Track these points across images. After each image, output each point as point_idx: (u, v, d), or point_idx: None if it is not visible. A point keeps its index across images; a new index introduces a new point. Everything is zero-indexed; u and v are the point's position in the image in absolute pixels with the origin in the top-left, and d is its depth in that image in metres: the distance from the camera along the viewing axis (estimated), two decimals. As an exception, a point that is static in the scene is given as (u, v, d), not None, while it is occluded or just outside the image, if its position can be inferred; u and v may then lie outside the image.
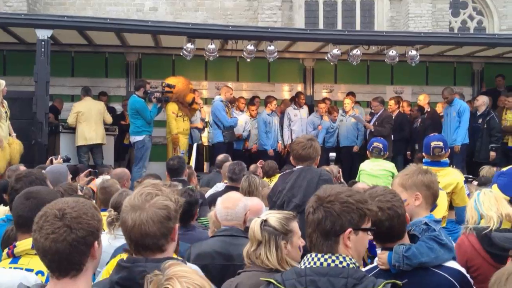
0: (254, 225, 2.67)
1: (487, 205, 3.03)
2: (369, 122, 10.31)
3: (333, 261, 1.95)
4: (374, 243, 2.58)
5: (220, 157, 7.57)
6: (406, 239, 2.50)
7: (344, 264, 1.94)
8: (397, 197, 2.50)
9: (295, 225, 2.74)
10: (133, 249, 1.99)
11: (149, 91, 9.30)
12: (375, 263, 2.52)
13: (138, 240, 1.95)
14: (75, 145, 9.49)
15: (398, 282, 1.98)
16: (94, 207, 1.93)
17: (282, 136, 10.76)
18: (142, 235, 1.94)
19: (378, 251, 2.52)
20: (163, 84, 9.50)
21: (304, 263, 2.00)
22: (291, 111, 10.79)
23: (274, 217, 2.70)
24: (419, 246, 2.43)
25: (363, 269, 2.44)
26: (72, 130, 9.68)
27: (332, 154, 6.67)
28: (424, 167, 2.99)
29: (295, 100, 10.98)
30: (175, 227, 2.01)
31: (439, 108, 10.73)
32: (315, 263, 1.97)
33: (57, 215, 1.83)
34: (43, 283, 1.87)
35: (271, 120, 10.40)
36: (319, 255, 1.98)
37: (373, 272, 2.45)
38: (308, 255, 2.01)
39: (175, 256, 2.50)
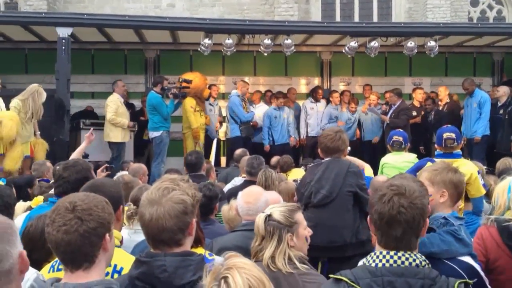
0: (259, 221, 2.68)
1: None
2: (386, 113, 10.25)
3: (407, 259, 1.92)
4: None
5: (238, 151, 7.60)
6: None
7: (417, 262, 1.92)
8: (423, 186, 2.49)
9: (300, 216, 2.75)
10: (151, 243, 2.01)
11: (166, 87, 9.36)
12: None
13: (155, 234, 1.97)
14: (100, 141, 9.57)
15: (470, 281, 1.97)
16: (105, 201, 1.96)
17: (297, 129, 10.75)
18: (159, 230, 1.95)
19: None
20: (180, 80, 9.57)
21: (374, 261, 1.95)
22: (308, 104, 10.75)
23: (277, 210, 2.71)
24: (431, 237, 2.44)
25: None
26: (94, 127, 9.80)
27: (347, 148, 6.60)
28: (454, 164, 2.96)
29: (313, 94, 10.92)
30: (192, 222, 2.02)
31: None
32: (387, 261, 1.92)
33: (68, 207, 1.87)
34: (58, 277, 1.91)
35: (278, 115, 10.32)
36: (392, 253, 1.93)
37: None
38: (378, 252, 1.97)
39: (200, 251, 2.57)
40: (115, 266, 2.33)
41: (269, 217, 2.67)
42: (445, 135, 5.01)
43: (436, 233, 2.49)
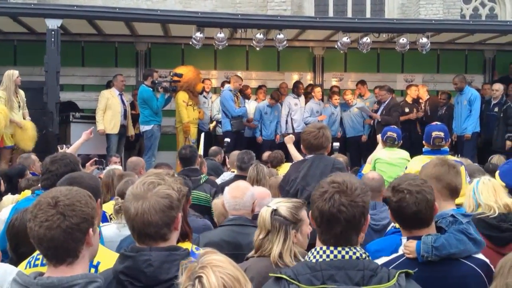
0: (265, 214, 2.67)
1: (485, 195, 3.06)
2: (376, 111, 10.26)
3: (347, 252, 1.91)
4: (400, 230, 2.60)
5: (213, 148, 7.87)
6: (433, 229, 2.49)
7: (358, 254, 1.91)
8: (427, 183, 2.50)
9: (304, 214, 2.74)
10: (136, 238, 1.99)
11: (156, 81, 9.33)
12: (400, 252, 2.51)
13: (141, 229, 1.96)
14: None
15: (410, 271, 1.94)
16: (89, 196, 1.95)
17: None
18: (145, 224, 1.94)
19: (404, 240, 2.51)
20: (171, 74, 9.53)
21: (315, 257, 1.93)
22: (291, 100, 10.75)
23: (284, 206, 2.70)
24: (448, 238, 2.42)
25: (388, 259, 2.47)
26: (84, 119, 9.77)
27: (336, 144, 6.63)
28: (445, 158, 2.92)
29: (293, 89, 10.95)
30: (178, 216, 2.01)
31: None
32: (327, 256, 1.91)
33: (50, 203, 1.85)
34: (40, 272, 1.88)
35: (269, 111, 10.37)
36: (331, 248, 1.92)
37: (399, 261, 2.45)
38: (318, 248, 1.95)
39: (187, 245, 2.54)
40: (92, 260, 2.30)
41: (275, 212, 2.66)
42: (433, 134, 5.07)
43: (450, 233, 2.47)
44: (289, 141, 5.77)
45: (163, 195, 1.96)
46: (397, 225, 2.76)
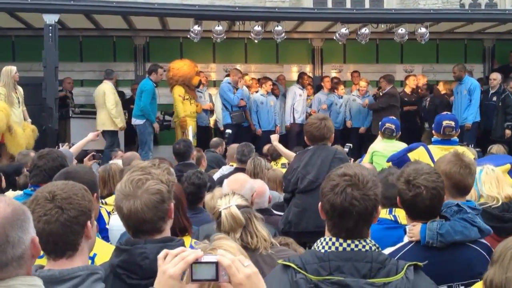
0: (234, 212, 2.54)
1: (488, 186, 3.05)
2: (377, 99, 10.29)
3: (356, 245, 1.89)
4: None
5: (215, 139, 7.91)
6: (437, 218, 2.55)
7: (367, 247, 1.89)
8: (441, 178, 2.53)
9: None
10: (132, 234, 2.00)
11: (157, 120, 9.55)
12: (406, 240, 2.54)
13: (136, 226, 1.97)
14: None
15: (419, 263, 1.93)
16: (85, 189, 1.95)
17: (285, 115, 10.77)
18: (140, 222, 1.95)
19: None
20: (162, 113, 9.80)
21: (324, 247, 1.91)
22: (297, 90, 10.73)
23: (237, 199, 2.63)
24: (453, 225, 2.46)
25: (394, 248, 2.50)
26: (83, 115, 9.75)
27: (348, 145, 6.75)
28: (460, 155, 2.83)
29: (298, 80, 10.94)
30: (171, 206, 2.01)
31: (441, 87, 10.63)
32: (336, 248, 1.89)
33: (47, 197, 1.86)
34: (41, 265, 1.89)
35: (265, 101, 10.35)
36: (341, 240, 1.90)
37: (407, 248, 2.49)
38: (327, 238, 1.93)
39: (187, 239, 2.54)
40: None
41: (238, 207, 2.59)
42: (444, 123, 5.03)
43: (455, 220, 2.50)
44: (275, 139, 5.90)
45: (154, 191, 1.95)
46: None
